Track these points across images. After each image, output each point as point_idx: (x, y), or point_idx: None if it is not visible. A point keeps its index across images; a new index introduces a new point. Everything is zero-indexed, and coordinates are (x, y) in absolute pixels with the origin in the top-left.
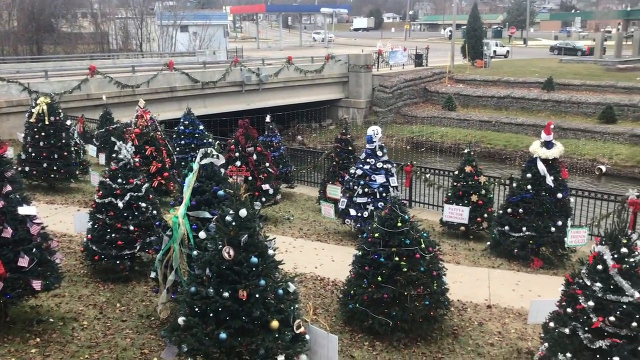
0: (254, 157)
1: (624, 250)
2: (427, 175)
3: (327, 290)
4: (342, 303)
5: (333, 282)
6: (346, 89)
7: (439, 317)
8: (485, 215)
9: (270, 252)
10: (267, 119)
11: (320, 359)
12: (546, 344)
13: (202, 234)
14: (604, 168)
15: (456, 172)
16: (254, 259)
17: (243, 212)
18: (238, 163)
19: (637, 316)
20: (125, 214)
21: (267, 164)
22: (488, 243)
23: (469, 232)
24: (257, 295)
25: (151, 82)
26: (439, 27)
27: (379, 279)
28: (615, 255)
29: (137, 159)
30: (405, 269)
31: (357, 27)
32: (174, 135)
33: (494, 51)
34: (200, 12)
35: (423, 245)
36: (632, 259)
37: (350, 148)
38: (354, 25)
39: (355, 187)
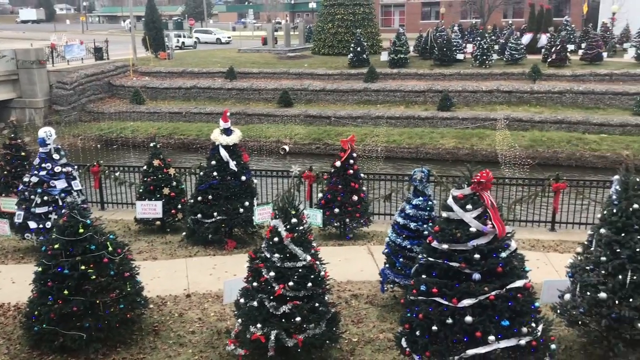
0: None
1: (294, 220)
2: (117, 174)
3: (9, 316)
4: (27, 327)
5: (15, 307)
6: (18, 87)
7: (136, 318)
8: (179, 206)
9: None
10: None
11: None
12: (240, 320)
13: None
14: (287, 147)
15: (145, 167)
16: None
17: None
18: None
19: (312, 277)
20: None
21: None
22: (184, 233)
23: (165, 225)
24: None
25: None
26: (119, 19)
27: (66, 292)
28: (288, 226)
29: None
30: (93, 277)
31: (24, 19)
32: None
33: (183, 42)
34: None
35: (110, 249)
36: (301, 227)
37: (23, 154)
38: (20, 17)
39: (33, 196)
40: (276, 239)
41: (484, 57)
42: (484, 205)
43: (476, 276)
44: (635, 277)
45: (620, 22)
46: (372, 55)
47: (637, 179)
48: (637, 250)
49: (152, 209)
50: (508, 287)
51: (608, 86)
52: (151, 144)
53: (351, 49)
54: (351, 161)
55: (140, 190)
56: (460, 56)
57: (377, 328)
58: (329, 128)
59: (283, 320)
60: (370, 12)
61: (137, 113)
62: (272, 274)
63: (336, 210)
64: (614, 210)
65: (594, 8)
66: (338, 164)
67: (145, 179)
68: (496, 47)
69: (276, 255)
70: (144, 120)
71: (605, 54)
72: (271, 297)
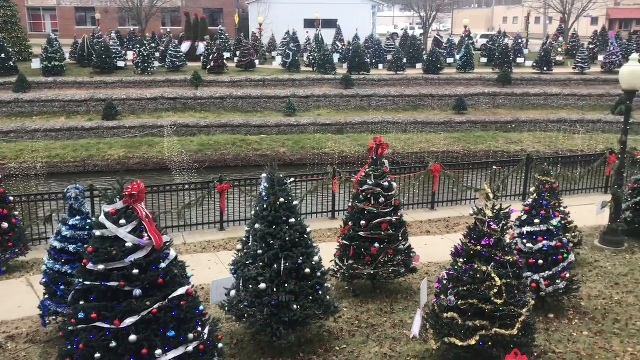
0: None
1: None
2: None
3: None
4: None
5: None
6: None
7: None
8: None
9: None
10: None
11: None
12: None
13: None
14: None
15: None
16: None
17: None
18: None
19: None
20: None
21: None
22: None
23: None
24: None
25: None
26: None
27: None
28: None
29: None
30: None
31: None
32: None
33: None
34: None
35: None
36: None
37: None
38: None
39: None
40: None
41: (146, 65)
42: (139, 217)
43: (137, 292)
44: (287, 264)
45: (267, 32)
46: (21, 62)
47: (281, 175)
48: (287, 239)
49: None
50: (170, 297)
51: (262, 91)
52: None
53: None
54: None
55: None
56: (121, 64)
57: None
58: None
59: None
60: (14, 15)
61: None
62: None
63: None
64: (265, 206)
65: (244, 18)
66: None
67: None
68: (157, 54)
69: None
70: None
71: (257, 62)
72: None
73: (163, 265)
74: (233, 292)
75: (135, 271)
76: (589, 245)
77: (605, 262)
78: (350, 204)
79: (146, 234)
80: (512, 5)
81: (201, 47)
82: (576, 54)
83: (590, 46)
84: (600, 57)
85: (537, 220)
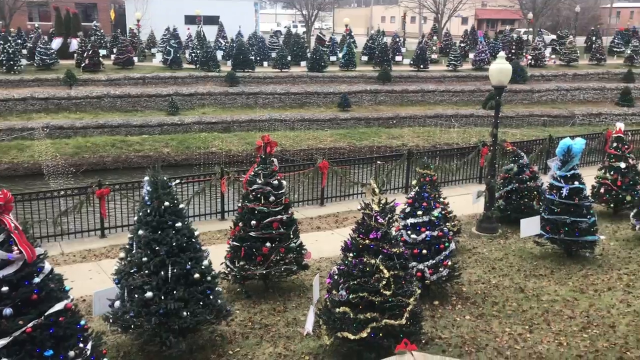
0: None
1: None
2: None
3: None
4: None
5: None
6: None
7: None
8: None
9: None
10: None
11: None
12: None
13: None
14: None
15: None
16: None
17: None
18: None
19: None
20: None
21: None
22: None
23: None
24: None
25: None
26: None
27: None
28: None
29: None
30: None
31: None
32: None
33: None
34: None
35: None
36: None
37: None
38: None
39: None
40: None
41: (12, 63)
42: (7, 229)
43: (7, 311)
44: (175, 270)
45: (145, 28)
46: None
47: (166, 177)
48: (174, 244)
49: None
50: (47, 313)
51: (142, 89)
52: None
53: None
54: None
55: None
56: None
57: None
58: None
59: None
60: None
61: None
62: None
63: None
64: (148, 210)
65: (121, 14)
66: None
67: None
68: (24, 51)
69: None
70: None
71: (136, 59)
72: None
73: (37, 279)
74: (117, 303)
75: (5, 289)
76: (467, 233)
77: (482, 248)
78: (240, 204)
79: (16, 247)
80: (389, 5)
81: (74, 43)
82: (449, 52)
83: (462, 45)
84: (471, 55)
85: (419, 212)
